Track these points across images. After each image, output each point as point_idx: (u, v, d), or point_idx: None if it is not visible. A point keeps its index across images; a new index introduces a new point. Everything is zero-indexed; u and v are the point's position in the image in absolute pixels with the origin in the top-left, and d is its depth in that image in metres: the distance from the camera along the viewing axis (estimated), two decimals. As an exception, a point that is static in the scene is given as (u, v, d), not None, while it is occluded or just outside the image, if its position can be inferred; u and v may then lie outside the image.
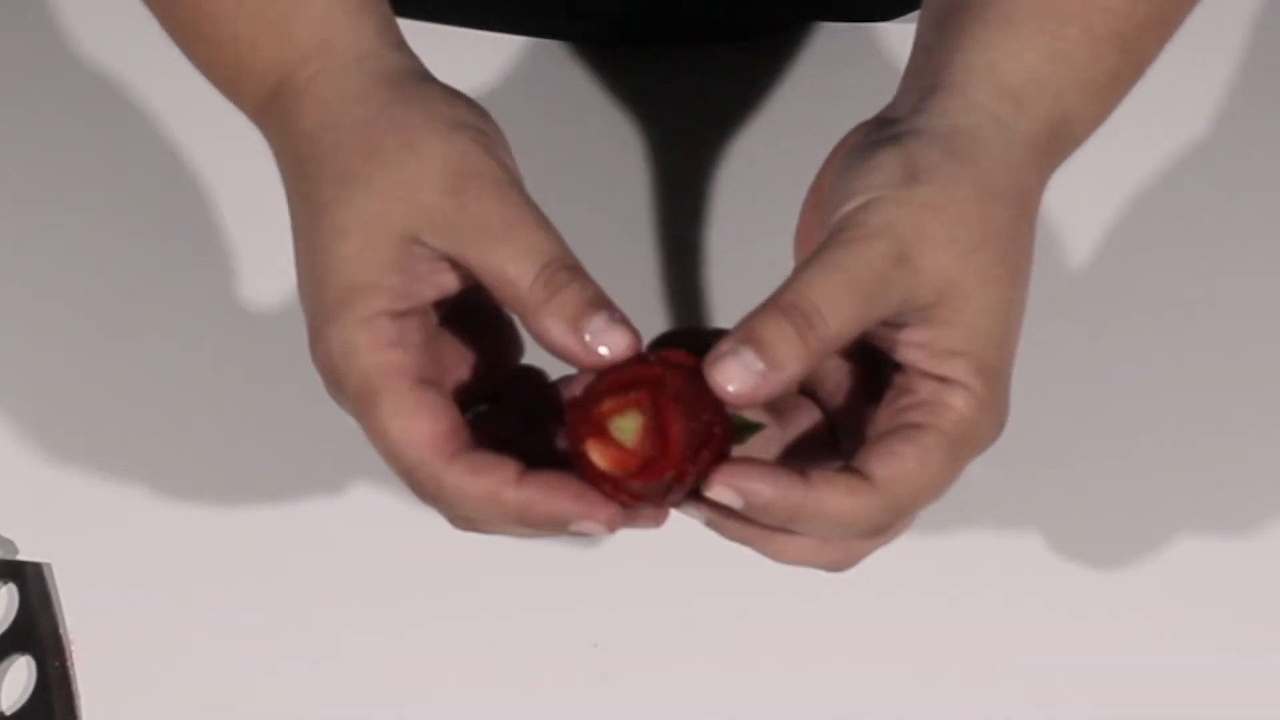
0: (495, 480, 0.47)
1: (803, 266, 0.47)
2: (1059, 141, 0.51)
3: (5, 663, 0.65)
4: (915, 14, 0.79)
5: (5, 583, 0.67)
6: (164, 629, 0.66)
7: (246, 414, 0.71)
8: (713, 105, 0.78)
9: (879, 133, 0.51)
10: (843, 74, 0.78)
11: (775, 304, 0.46)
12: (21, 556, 0.67)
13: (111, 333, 0.73)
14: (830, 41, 0.79)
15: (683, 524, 0.68)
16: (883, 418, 0.49)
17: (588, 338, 0.47)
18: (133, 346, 0.72)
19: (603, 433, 0.47)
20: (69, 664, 0.65)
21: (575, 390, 0.49)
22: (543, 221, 0.48)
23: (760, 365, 0.46)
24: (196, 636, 0.66)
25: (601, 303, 0.47)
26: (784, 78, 0.79)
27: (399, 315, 0.48)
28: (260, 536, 0.68)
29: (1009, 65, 0.51)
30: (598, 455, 0.47)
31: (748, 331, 0.46)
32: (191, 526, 0.68)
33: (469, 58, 0.79)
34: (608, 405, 0.47)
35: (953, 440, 0.47)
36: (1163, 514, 0.69)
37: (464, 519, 0.49)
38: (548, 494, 0.47)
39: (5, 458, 0.70)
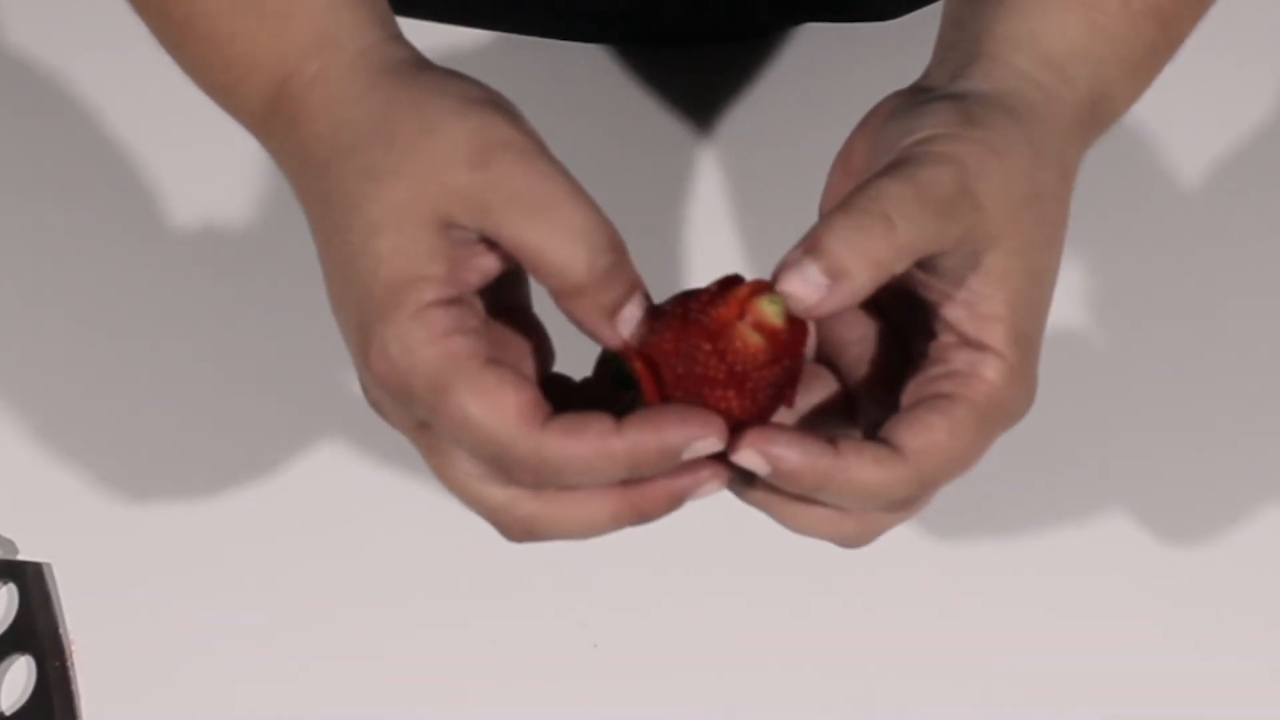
0: (597, 433, 0.44)
1: (870, 179, 0.46)
2: (1098, 115, 0.51)
3: (5, 663, 0.65)
4: (915, 14, 0.80)
5: (5, 583, 0.67)
6: (164, 629, 0.66)
7: (247, 414, 0.71)
8: (710, 105, 0.78)
9: (922, 95, 0.50)
10: (842, 74, 0.78)
11: (845, 208, 0.45)
12: (21, 556, 0.67)
13: (111, 333, 0.73)
14: (829, 41, 0.79)
15: (683, 524, 0.68)
16: (913, 388, 0.48)
17: (622, 319, 0.46)
18: (133, 346, 0.72)
19: (746, 315, 0.46)
20: (69, 664, 0.65)
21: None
22: (576, 192, 0.46)
23: (824, 278, 0.44)
24: (196, 636, 0.66)
25: (639, 285, 0.46)
26: (783, 78, 0.79)
27: (450, 303, 0.46)
28: (260, 537, 0.68)
29: (1050, 36, 0.50)
30: (753, 334, 0.45)
31: (814, 240, 0.45)
32: (192, 527, 0.68)
33: (470, 58, 0.79)
34: (744, 291, 0.46)
35: (984, 412, 0.46)
36: (1164, 514, 0.69)
37: (522, 528, 0.47)
38: (654, 428, 0.45)
39: (5, 458, 0.70)
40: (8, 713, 0.64)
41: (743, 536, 0.68)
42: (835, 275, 0.45)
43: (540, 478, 0.45)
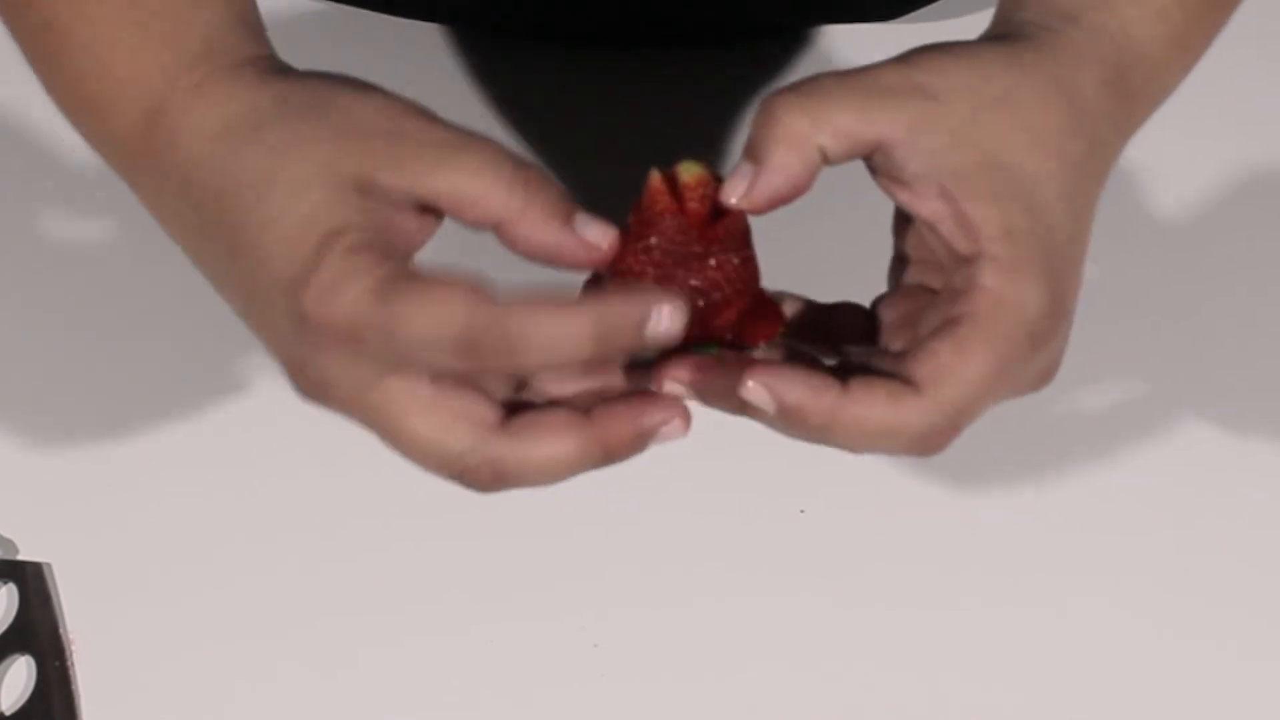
0: (559, 301, 0.43)
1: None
2: (1124, 56, 0.50)
3: (5, 663, 0.65)
4: (915, 14, 0.80)
5: (5, 583, 0.67)
6: (164, 629, 0.66)
7: (247, 414, 0.71)
8: (710, 107, 0.78)
9: None
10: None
11: (774, 96, 0.47)
12: (21, 556, 0.67)
13: (111, 333, 0.73)
14: (830, 43, 0.79)
15: (683, 524, 0.68)
16: (925, 322, 0.47)
17: (579, 226, 0.46)
18: (133, 346, 0.72)
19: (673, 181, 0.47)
20: (69, 664, 0.65)
21: None
22: (483, 137, 0.46)
23: (748, 165, 0.46)
24: (196, 636, 0.66)
25: (573, 200, 0.47)
26: (784, 79, 0.79)
27: (381, 250, 0.45)
28: (260, 538, 0.68)
29: None
30: (657, 178, 0.47)
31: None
32: (192, 527, 0.68)
33: (470, 60, 0.79)
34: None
35: (992, 322, 0.45)
36: (1165, 512, 0.69)
37: (491, 472, 0.46)
38: (619, 294, 0.44)
39: (6, 458, 0.70)
40: (8, 713, 0.64)
41: (744, 537, 0.68)
42: (758, 159, 0.46)
43: (508, 349, 0.43)
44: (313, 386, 0.47)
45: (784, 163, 0.46)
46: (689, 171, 0.48)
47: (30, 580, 0.66)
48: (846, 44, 0.79)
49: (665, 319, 0.44)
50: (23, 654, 0.65)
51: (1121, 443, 0.70)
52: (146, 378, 0.72)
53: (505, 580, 0.67)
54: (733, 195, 0.47)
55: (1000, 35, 0.50)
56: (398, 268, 0.45)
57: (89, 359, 0.72)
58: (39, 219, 0.76)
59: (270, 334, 0.48)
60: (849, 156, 0.47)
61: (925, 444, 0.46)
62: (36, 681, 0.65)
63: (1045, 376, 0.49)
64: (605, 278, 0.47)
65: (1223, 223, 0.76)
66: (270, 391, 0.71)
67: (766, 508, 0.68)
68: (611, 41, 0.79)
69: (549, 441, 0.46)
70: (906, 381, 0.45)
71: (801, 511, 0.69)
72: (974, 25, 0.79)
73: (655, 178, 0.47)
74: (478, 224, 0.46)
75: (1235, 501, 0.69)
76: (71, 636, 0.66)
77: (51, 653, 0.65)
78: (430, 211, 0.47)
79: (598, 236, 0.46)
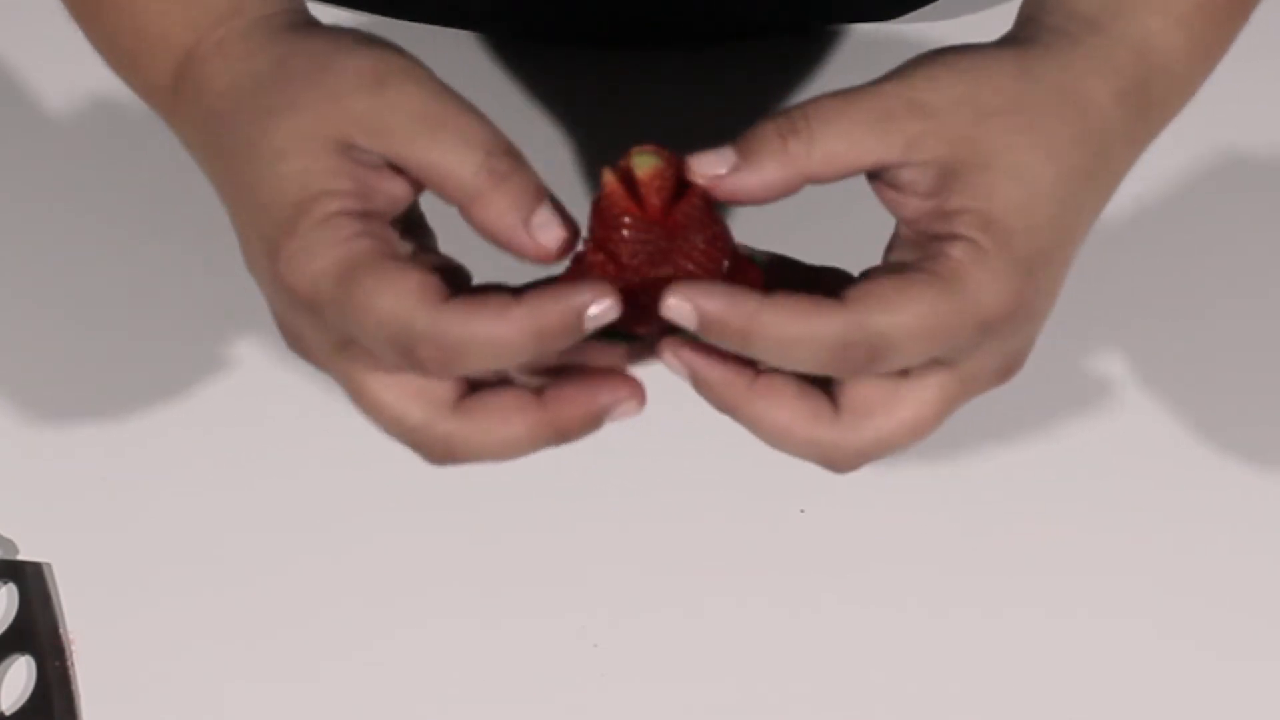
0: (498, 303, 0.44)
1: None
2: (1144, 66, 0.50)
3: (5, 663, 0.65)
4: (914, 14, 0.80)
5: (5, 583, 0.67)
6: (164, 629, 0.66)
7: (247, 414, 0.71)
8: (709, 108, 0.78)
9: None
10: (843, 76, 0.78)
11: (774, 115, 0.46)
12: (21, 556, 0.67)
13: (111, 332, 0.73)
14: (830, 42, 0.79)
15: (684, 524, 0.68)
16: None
17: (535, 225, 0.46)
18: (133, 346, 0.72)
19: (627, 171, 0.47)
20: (69, 664, 0.65)
21: None
22: (473, 111, 0.47)
23: (733, 156, 0.46)
24: (196, 636, 0.66)
25: (544, 193, 0.47)
26: (784, 79, 0.79)
27: (358, 216, 0.46)
28: (260, 538, 0.68)
29: None
30: (611, 177, 0.46)
31: (739, 137, 0.46)
32: (192, 527, 0.68)
33: (472, 61, 0.79)
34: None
35: (945, 283, 0.45)
36: (1163, 512, 0.69)
37: (442, 448, 0.47)
38: (553, 292, 0.45)
39: (6, 458, 0.70)
40: (8, 713, 0.64)
41: (744, 537, 0.68)
42: (746, 157, 0.46)
43: (445, 356, 0.45)
44: (293, 339, 0.49)
45: (769, 176, 0.46)
46: (643, 166, 0.47)
47: (30, 580, 0.66)
48: (847, 43, 0.79)
49: (600, 313, 0.45)
50: (23, 654, 0.65)
51: (1122, 443, 0.70)
52: (147, 378, 0.72)
53: (505, 580, 0.67)
54: (701, 171, 0.46)
55: (1018, 38, 0.50)
56: (363, 248, 0.45)
57: (89, 359, 0.72)
58: (41, 218, 0.76)
59: (264, 287, 0.49)
60: (841, 179, 0.47)
61: (839, 357, 0.45)
62: (36, 681, 0.65)
63: (1004, 374, 0.49)
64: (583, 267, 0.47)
65: (1222, 222, 0.76)
66: (270, 393, 0.71)
67: (766, 508, 0.68)
68: (610, 42, 0.79)
69: (499, 423, 0.46)
70: (834, 298, 0.45)
71: (801, 511, 0.69)
72: (974, 25, 0.80)
73: (610, 180, 0.47)
74: (445, 199, 0.47)
75: (1235, 501, 0.69)
76: (71, 636, 0.66)
77: (51, 653, 0.65)
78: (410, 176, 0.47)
79: (549, 239, 0.46)
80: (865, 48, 0.79)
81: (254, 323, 0.72)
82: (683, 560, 0.67)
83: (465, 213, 0.47)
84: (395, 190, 0.47)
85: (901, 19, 0.80)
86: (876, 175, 0.48)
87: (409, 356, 0.45)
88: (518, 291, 0.45)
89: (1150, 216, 0.75)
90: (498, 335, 0.44)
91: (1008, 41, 0.50)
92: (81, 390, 0.71)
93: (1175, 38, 0.51)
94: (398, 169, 0.47)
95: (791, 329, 0.44)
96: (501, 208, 0.46)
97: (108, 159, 0.77)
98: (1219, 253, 0.75)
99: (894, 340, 0.45)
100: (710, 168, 0.46)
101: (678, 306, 0.45)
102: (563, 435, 0.47)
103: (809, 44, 0.80)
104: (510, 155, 0.47)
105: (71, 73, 0.79)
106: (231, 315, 0.73)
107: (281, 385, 0.71)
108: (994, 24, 0.53)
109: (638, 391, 0.47)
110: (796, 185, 0.46)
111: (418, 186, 0.48)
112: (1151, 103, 0.50)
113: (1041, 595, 0.67)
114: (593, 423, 0.47)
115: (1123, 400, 0.71)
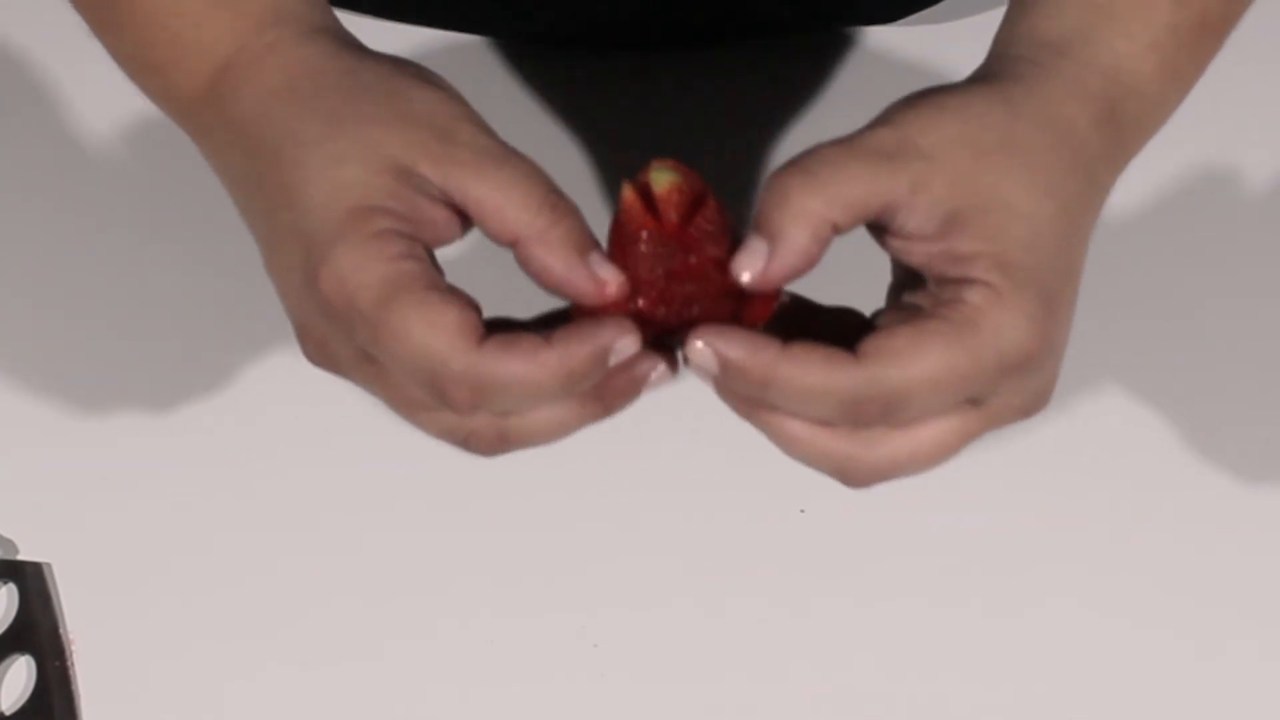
0: (530, 345, 0.45)
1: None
2: (1115, 89, 0.50)
3: (5, 663, 0.65)
4: (913, 16, 0.80)
5: (5, 583, 0.67)
6: (164, 629, 0.66)
7: (248, 416, 0.71)
8: (708, 109, 0.78)
9: None
10: (844, 78, 0.78)
11: (778, 172, 0.47)
12: (21, 556, 0.67)
13: (111, 332, 0.73)
14: (832, 45, 0.79)
15: (684, 524, 0.68)
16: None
17: (595, 262, 0.47)
18: (132, 346, 0.72)
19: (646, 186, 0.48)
20: (69, 664, 0.65)
21: None
22: (521, 155, 0.48)
23: (761, 243, 0.46)
24: (196, 636, 0.66)
25: (595, 241, 0.48)
26: (784, 80, 0.79)
27: (406, 237, 0.47)
28: (259, 538, 0.68)
29: (1046, 23, 0.51)
30: (629, 192, 0.47)
31: (755, 214, 0.47)
32: (192, 527, 0.68)
33: (477, 66, 0.79)
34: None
35: (959, 330, 0.45)
36: (1163, 511, 0.69)
37: (495, 434, 0.48)
38: (580, 333, 0.46)
39: (6, 458, 0.70)
40: (8, 713, 0.64)
41: (744, 537, 0.68)
42: (771, 237, 0.46)
43: (474, 398, 0.46)
44: (315, 345, 0.49)
45: (800, 243, 0.46)
46: (661, 182, 0.48)
47: (30, 580, 0.66)
48: (848, 46, 0.80)
49: (623, 348, 0.46)
50: (23, 654, 0.65)
51: (1122, 445, 0.70)
52: (147, 378, 0.72)
53: (505, 580, 0.67)
54: (746, 272, 0.47)
55: (990, 74, 0.50)
56: (408, 271, 0.46)
57: (90, 360, 0.72)
58: (41, 217, 0.76)
59: (287, 287, 0.49)
60: (858, 225, 0.47)
61: (853, 413, 0.46)
62: (36, 681, 0.65)
63: (1029, 409, 0.49)
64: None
65: (1214, 226, 0.76)
66: (271, 394, 0.71)
67: (766, 508, 0.68)
68: (615, 45, 0.79)
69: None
70: (851, 351, 0.46)
71: (801, 511, 0.69)
72: (973, 27, 0.80)
73: (629, 194, 0.48)
74: (499, 237, 0.47)
75: (1236, 501, 0.69)
76: (71, 636, 0.66)
77: (51, 653, 0.65)
78: (461, 214, 0.48)
79: (610, 275, 0.47)
80: (867, 50, 0.79)
81: (254, 324, 0.72)
82: (683, 560, 0.67)
83: (523, 248, 0.47)
84: (444, 225, 0.48)
85: (903, 21, 0.80)
86: (881, 227, 0.48)
87: (438, 392, 0.46)
88: (543, 327, 0.47)
89: (1141, 221, 0.76)
90: (530, 379, 0.45)
91: (985, 78, 0.50)
92: (82, 391, 0.71)
93: (1145, 61, 0.51)
94: (451, 205, 0.47)
95: (807, 381, 0.45)
96: (559, 243, 0.47)
97: (108, 159, 0.77)
98: (1214, 256, 0.75)
99: (908, 395, 0.45)
100: (752, 266, 0.46)
101: (701, 351, 0.46)
102: (609, 406, 0.48)
103: (813, 47, 0.80)
104: (565, 198, 0.48)
105: (88, 79, 0.79)
106: (232, 316, 0.73)
107: (282, 386, 0.71)
108: (994, 26, 0.53)
109: (672, 358, 0.48)
110: (827, 237, 0.47)
111: (465, 225, 0.48)
112: (1124, 125, 0.51)
113: (1041, 595, 0.67)
114: (635, 389, 0.48)
115: (1122, 402, 0.71)
